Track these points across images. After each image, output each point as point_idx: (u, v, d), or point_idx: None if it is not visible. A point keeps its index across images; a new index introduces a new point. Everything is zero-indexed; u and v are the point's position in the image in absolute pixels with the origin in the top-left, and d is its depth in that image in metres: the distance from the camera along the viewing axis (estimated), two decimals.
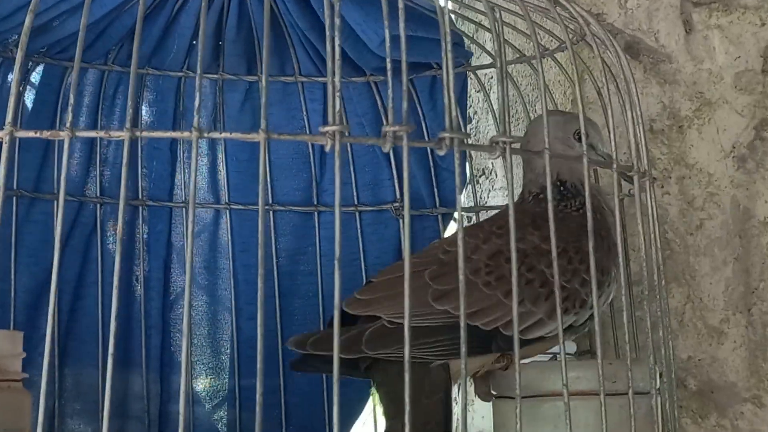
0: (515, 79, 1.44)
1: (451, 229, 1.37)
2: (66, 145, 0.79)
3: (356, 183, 1.37)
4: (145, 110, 1.36)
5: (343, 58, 1.27)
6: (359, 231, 1.37)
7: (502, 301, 1.04)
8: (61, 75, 1.31)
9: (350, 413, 1.32)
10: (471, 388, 1.15)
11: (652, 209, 1.05)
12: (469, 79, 1.39)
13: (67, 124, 0.79)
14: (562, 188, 1.14)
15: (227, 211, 1.38)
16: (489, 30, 1.33)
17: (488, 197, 1.53)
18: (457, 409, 1.49)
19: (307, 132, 1.37)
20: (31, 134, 0.81)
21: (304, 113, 1.38)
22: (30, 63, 1.29)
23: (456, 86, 1.33)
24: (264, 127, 0.78)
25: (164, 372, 1.34)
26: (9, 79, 1.27)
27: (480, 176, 1.55)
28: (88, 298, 1.32)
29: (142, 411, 1.33)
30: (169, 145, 1.36)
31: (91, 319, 1.31)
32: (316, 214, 1.38)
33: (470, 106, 1.55)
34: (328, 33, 0.81)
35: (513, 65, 1.39)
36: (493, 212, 1.28)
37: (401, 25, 0.81)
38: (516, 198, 1.17)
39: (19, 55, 0.81)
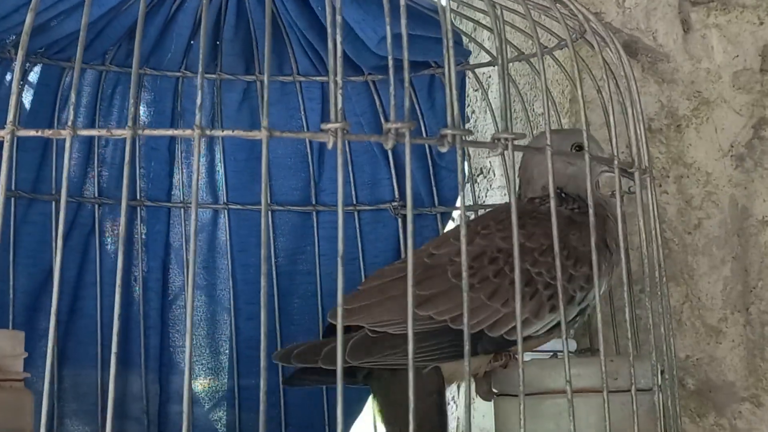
0: (514, 79, 1.44)
1: (450, 228, 1.37)
2: (68, 144, 0.79)
3: (355, 182, 1.37)
4: (143, 110, 1.36)
5: (342, 58, 1.27)
6: (358, 230, 1.37)
7: (486, 302, 1.04)
8: (59, 75, 1.31)
9: (349, 413, 1.32)
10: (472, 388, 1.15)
11: (652, 206, 1.05)
12: (467, 78, 1.39)
13: (69, 123, 0.78)
14: (562, 194, 1.13)
15: (226, 211, 1.37)
16: (488, 28, 1.33)
17: (486, 196, 1.53)
18: (458, 411, 1.49)
19: (306, 131, 1.37)
20: (32, 133, 0.81)
21: (303, 113, 1.37)
22: (28, 63, 1.29)
23: (455, 85, 1.33)
24: (266, 125, 0.78)
25: (163, 372, 1.34)
26: (7, 80, 1.27)
27: (478, 175, 1.55)
28: (86, 299, 1.32)
29: (141, 411, 1.32)
30: (167, 145, 1.36)
31: (89, 319, 1.31)
32: (314, 213, 1.38)
33: (468, 105, 1.55)
34: (329, 30, 0.81)
35: (511, 64, 1.39)
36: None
37: (403, 22, 0.81)
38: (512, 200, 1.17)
39: (20, 54, 0.81)
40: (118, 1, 1.25)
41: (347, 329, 1.06)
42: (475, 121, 1.57)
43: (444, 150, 0.82)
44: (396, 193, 1.37)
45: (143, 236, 1.35)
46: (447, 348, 1.03)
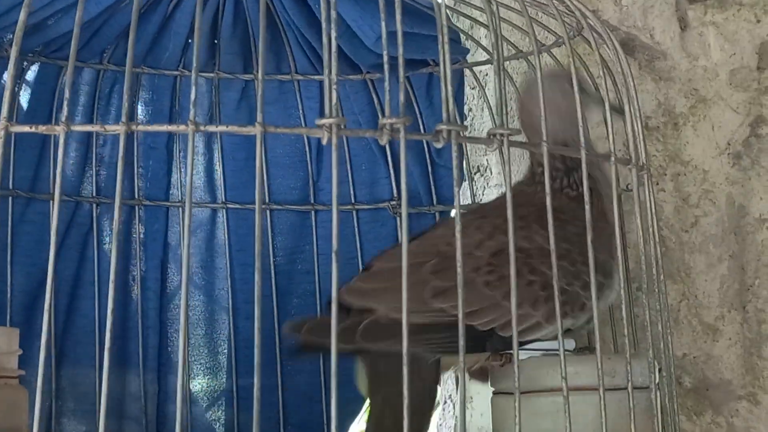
0: (510, 76, 1.44)
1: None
2: (62, 140, 0.79)
3: (353, 181, 1.37)
4: (140, 109, 1.36)
5: (340, 56, 1.26)
6: (356, 229, 1.37)
7: (500, 302, 1.03)
8: (56, 74, 1.31)
9: (348, 412, 1.32)
10: (469, 386, 1.15)
11: (649, 203, 1.05)
12: (464, 76, 1.39)
13: (63, 119, 0.78)
14: (569, 161, 1.13)
15: (224, 211, 1.38)
16: (485, 26, 1.33)
17: (483, 194, 1.53)
18: (455, 409, 1.49)
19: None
20: (26, 129, 0.81)
21: (301, 111, 1.38)
22: (25, 62, 1.29)
23: (452, 83, 1.32)
24: (260, 120, 0.78)
25: (161, 372, 1.34)
26: (3, 79, 1.27)
27: (475, 173, 1.55)
28: (84, 299, 1.32)
29: (140, 411, 1.33)
30: (165, 144, 1.36)
31: (87, 319, 1.31)
32: (313, 212, 1.38)
33: (465, 103, 1.55)
34: (324, 26, 0.81)
35: (508, 62, 1.39)
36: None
37: (398, 18, 0.81)
38: (525, 176, 1.17)
39: (13, 50, 0.81)
40: (115, 0, 1.25)
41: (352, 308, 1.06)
42: (473, 119, 1.57)
43: (439, 145, 0.82)
44: (394, 192, 1.37)
45: (141, 235, 1.36)
46: (457, 342, 1.03)
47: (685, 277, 1.37)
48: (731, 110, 1.38)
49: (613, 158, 0.95)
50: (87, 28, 1.26)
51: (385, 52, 0.81)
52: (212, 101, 1.37)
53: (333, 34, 0.79)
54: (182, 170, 1.37)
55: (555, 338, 1.11)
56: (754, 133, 1.38)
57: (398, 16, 0.81)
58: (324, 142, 0.78)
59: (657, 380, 0.99)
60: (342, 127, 0.78)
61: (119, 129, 0.78)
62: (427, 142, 1.33)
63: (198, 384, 1.36)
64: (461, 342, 0.81)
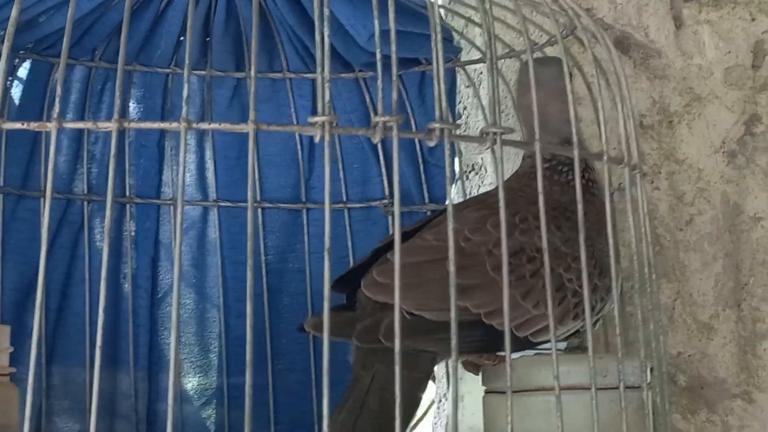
0: (505, 74, 1.43)
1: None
2: (53, 137, 0.79)
3: (345, 180, 1.37)
4: (132, 106, 1.36)
5: (332, 54, 1.25)
6: (348, 228, 1.36)
7: (520, 302, 1.03)
8: (48, 71, 1.31)
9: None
10: (461, 385, 1.15)
11: (642, 203, 1.05)
12: (458, 74, 1.39)
13: (54, 116, 0.78)
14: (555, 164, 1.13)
15: (215, 209, 1.37)
16: (478, 25, 1.33)
17: (478, 193, 1.52)
18: (447, 406, 1.48)
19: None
20: (18, 125, 0.81)
21: (293, 109, 1.37)
22: (17, 59, 1.29)
23: (445, 81, 1.32)
24: (253, 118, 0.77)
25: (152, 370, 1.33)
26: None
27: (469, 171, 1.55)
28: (75, 297, 1.31)
29: (131, 409, 1.32)
30: (156, 142, 1.36)
31: (78, 317, 1.31)
32: (304, 211, 1.37)
33: (460, 101, 1.55)
34: (317, 24, 0.81)
35: (503, 60, 1.39)
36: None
37: (391, 17, 0.81)
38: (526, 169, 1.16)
39: (5, 47, 0.80)
40: None
41: (352, 296, 1.07)
42: (467, 117, 1.56)
43: (432, 144, 0.82)
44: (386, 190, 1.36)
45: (132, 233, 1.35)
46: (477, 342, 1.03)
47: (679, 276, 1.37)
48: (726, 109, 1.38)
49: (605, 157, 0.94)
50: (79, 26, 1.26)
51: (378, 51, 0.81)
52: (204, 99, 1.37)
53: (326, 32, 0.79)
54: (174, 168, 1.36)
55: (566, 339, 1.12)
56: (749, 131, 1.38)
57: (391, 15, 0.81)
58: (317, 140, 0.78)
59: (649, 380, 0.99)
60: (335, 125, 0.78)
61: (111, 126, 0.78)
62: (419, 141, 1.32)
63: (189, 382, 1.36)
64: (453, 341, 0.80)
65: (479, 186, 1.53)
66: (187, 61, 0.80)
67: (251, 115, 0.78)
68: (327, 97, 0.78)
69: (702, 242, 1.37)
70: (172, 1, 1.29)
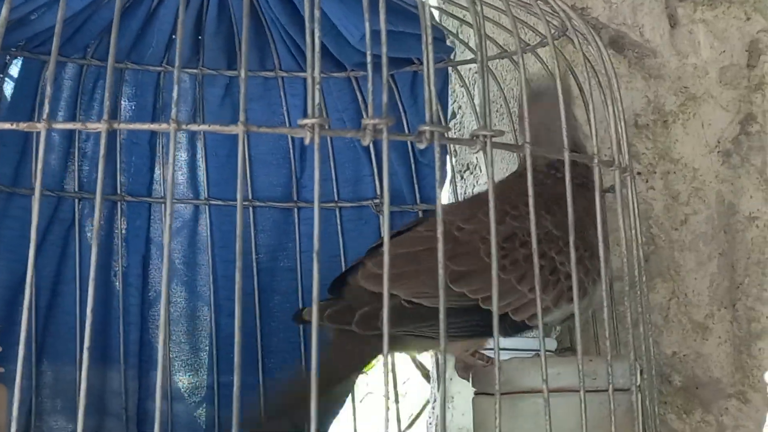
0: (500, 74, 1.43)
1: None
2: (42, 137, 0.79)
3: (336, 179, 1.36)
4: (124, 105, 1.35)
5: (324, 53, 1.26)
6: (339, 227, 1.36)
7: (516, 286, 1.04)
8: (40, 69, 1.30)
9: (328, 409, 1.31)
10: (451, 385, 1.15)
11: (632, 204, 1.05)
12: (452, 74, 1.38)
13: (44, 116, 0.78)
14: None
15: (207, 207, 1.37)
16: (471, 26, 1.33)
17: (473, 193, 1.52)
18: (436, 407, 1.48)
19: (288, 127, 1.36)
20: (7, 126, 0.81)
21: (285, 108, 1.37)
22: (8, 56, 1.28)
23: (437, 82, 1.33)
24: (243, 120, 0.77)
25: (143, 369, 1.33)
26: None
27: (464, 171, 1.55)
28: (66, 295, 1.31)
29: (120, 408, 1.32)
30: (148, 140, 1.35)
31: (69, 315, 1.30)
32: (296, 210, 1.37)
33: (454, 101, 1.55)
34: (307, 25, 0.81)
35: (498, 60, 1.39)
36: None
37: (381, 17, 0.81)
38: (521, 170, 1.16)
39: None
40: None
41: (343, 287, 1.08)
42: (461, 117, 1.56)
43: (422, 147, 0.82)
44: (378, 190, 1.36)
45: (123, 231, 1.35)
46: (474, 326, 1.04)
47: (674, 275, 1.37)
48: (721, 108, 1.38)
49: (596, 160, 0.94)
50: (70, 24, 1.25)
51: (368, 52, 0.80)
52: (196, 97, 1.36)
53: (317, 33, 0.79)
54: (165, 166, 1.36)
55: (563, 322, 1.12)
56: (744, 130, 1.38)
57: (382, 15, 0.81)
58: (306, 142, 0.78)
59: (639, 382, 0.99)
60: (326, 127, 0.78)
61: (101, 127, 0.78)
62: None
63: (180, 381, 1.36)
64: (442, 327, 0.80)
65: (473, 185, 1.53)
66: (177, 62, 0.80)
67: (241, 116, 0.77)
68: (317, 100, 0.78)
69: (697, 242, 1.37)
70: (164, 0, 1.29)
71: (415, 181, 1.35)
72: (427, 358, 1.80)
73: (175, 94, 0.78)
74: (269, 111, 1.37)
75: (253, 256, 1.36)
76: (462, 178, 1.53)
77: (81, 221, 1.32)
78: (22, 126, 0.80)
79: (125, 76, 1.35)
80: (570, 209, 0.91)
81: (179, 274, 1.36)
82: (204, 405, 1.35)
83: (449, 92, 1.43)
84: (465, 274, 1.03)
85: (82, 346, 1.27)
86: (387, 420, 0.78)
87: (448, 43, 1.37)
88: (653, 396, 1.04)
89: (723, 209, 1.37)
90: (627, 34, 1.40)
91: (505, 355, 1.07)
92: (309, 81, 0.78)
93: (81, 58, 1.32)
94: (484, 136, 0.84)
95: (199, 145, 1.37)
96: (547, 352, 0.89)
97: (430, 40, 0.83)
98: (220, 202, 1.36)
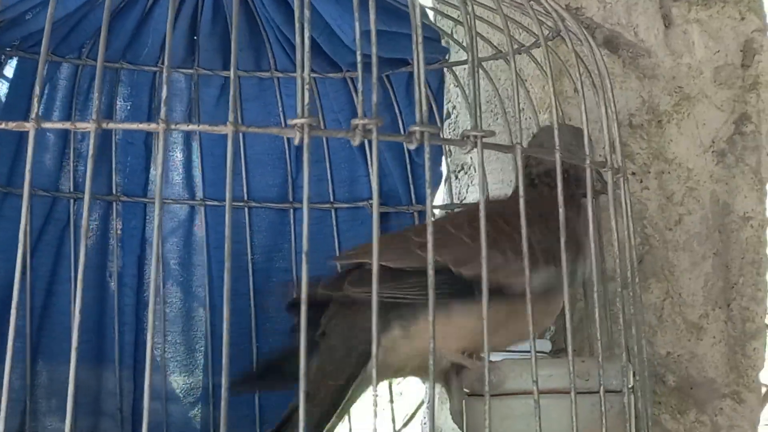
0: (495, 74, 1.43)
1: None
2: (31, 137, 0.79)
3: (332, 179, 1.37)
4: (119, 104, 1.35)
5: (319, 54, 1.26)
6: (335, 228, 1.36)
7: (471, 245, 1.05)
8: (35, 69, 1.30)
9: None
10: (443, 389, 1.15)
11: (626, 205, 1.05)
12: (448, 74, 1.38)
13: (33, 116, 0.78)
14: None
15: (202, 208, 1.37)
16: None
17: (467, 192, 1.52)
18: (423, 408, 1.48)
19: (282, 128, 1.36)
20: None
21: (280, 108, 1.37)
22: (3, 56, 1.28)
23: (433, 82, 1.33)
24: (232, 120, 0.77)
25: (138, 369, 1.33)
26: None
27: (459, 171, 1.54)
28: (61, 295, 1.31)
29: (116, 408, 1.32)
30: (143, 140, 1.35)
31: (64, 316, 1.30)
32: (291, 210, 1.37)
33: (449, 101, 1.55)
34: (297, 25, 0.81)
35: (493, 61, 1.39)
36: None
37: (371, 18, 0.81)
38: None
39: None
40: None
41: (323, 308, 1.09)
42: (456, 116, 1.56)
43: (412, 147, 0.82)
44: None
45: (119, 231, 1.35)
46: (443, 285, 1.04)
47: (669, 276, 1.37)
48: (715, 108, 1.38)
49: (588, 161, 0.94)
50: (65, 23, 1.25)
51: (358, 52, 0.80)
52: (191, 97, 1.36)
53: (306, 33, 0.79)
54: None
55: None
56: (739, 130, 1.38)
57: (372, 16, 0.81)
58: (296, 142, 0.78)
59: (631, 384, 0.99)
60: (320, 126, 0.78)
61: (89, 127, 0.78)
62: None
63: (175, 381, 1.35)
64: (431, 316, 0.80)
65: (468, 185, 1.53)
66: (166, 63, 0.80)
67: (230, 117, 0.78)
68: (307, 100, 0.78)
69: (691, 242, 1.37)
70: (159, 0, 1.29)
71: (410, 181, 1.35)
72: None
73: (164, 94, 0.79)
74: (265, 111, 1.37)
75: (249, 257, 1.36)
76: (456, 178, 1.53)
77: (76, 221, 1.32)
78: (11, 125, 0.80)
79: (121, 76, 1.35)
80: (561, 211, 0.91)
81: (174, 274, 1.36)
82: (199, 405, 1.35)
83: (444, 92, 1.44)
84: (443, 247, 1.04)
85: (78, 345, 1.28)
86: (375, 391, 0.78)
87: (443, 43, 1.37)
88: (646, 397, 1.04)
89: (717, 209, 1.37)
90: (621, 33, 1.40)
91: (498, 356, 1.07)
92: (299, 81, 0.79)
93: (76, 58, 1.32)
94: (475, 137, 0.84)
95: (195, 145, 1.37)
96: (540, 354, 0.89)
97: (420, 39, 0.83)
98: (215, 203, 1.36)
